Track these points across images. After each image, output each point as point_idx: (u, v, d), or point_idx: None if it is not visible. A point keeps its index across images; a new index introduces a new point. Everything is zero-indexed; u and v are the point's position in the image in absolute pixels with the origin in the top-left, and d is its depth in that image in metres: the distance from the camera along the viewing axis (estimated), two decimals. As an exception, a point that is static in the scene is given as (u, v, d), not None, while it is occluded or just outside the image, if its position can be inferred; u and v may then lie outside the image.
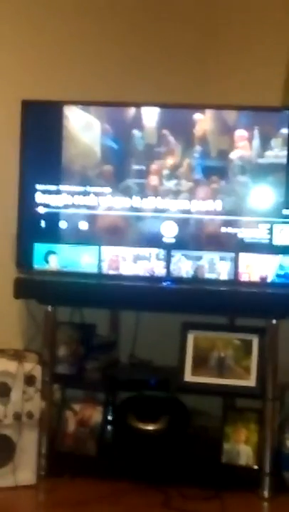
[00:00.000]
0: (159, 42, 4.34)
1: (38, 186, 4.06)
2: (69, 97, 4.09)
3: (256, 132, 3.95)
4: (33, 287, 4.04)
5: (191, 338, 4.00)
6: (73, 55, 4.37)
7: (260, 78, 4.22)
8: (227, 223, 3.98)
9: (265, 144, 3.95)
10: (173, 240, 4.00)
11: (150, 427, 3.99)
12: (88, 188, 4.05)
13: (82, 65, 4.36)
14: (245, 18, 4.30)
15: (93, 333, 4.22)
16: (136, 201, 4.03)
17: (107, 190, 4.04)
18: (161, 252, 4.01)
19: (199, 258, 4.00)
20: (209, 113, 4.00)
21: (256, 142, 3.95)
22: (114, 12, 4.38)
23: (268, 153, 3.95)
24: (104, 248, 4.04)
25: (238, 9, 4.32)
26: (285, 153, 3.93)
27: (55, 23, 4.38)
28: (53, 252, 4.06)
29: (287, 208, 3.94)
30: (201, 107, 4.00)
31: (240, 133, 3.97)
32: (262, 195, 3.97)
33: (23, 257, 4.08)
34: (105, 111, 4.05)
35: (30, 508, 3.76)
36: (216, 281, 3.98)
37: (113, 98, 4.10)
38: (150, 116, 4.02)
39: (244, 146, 3.97)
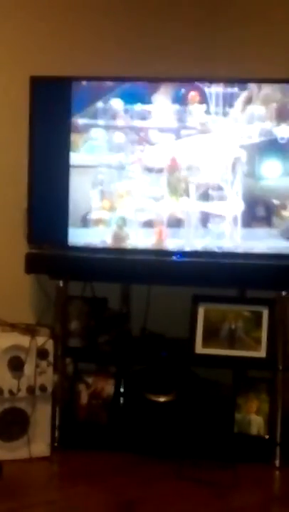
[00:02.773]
0: (167, 16, 4.34)
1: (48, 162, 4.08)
2: (77, 73, 4.10)
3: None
4: (44, 262, 4.07)
5: (201, 310, 4.03)
6: (81, 30, 4.36)
7: (268, 51, 4.23)
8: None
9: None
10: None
11: (162, 399, 4.03)
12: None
13: (90, 40, 4.35)
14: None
15: (105, 307, 4.24)
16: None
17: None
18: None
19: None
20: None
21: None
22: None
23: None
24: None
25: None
26: None
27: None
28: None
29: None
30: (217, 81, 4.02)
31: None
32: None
33: (34, 233, 4.12)
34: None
35: (45, 479, 3.80)
36: (226, 254, 4.01)
37: (122, 73, 4.11)
38: (159, 90, 4.04)
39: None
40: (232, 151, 3.98)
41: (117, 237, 4.07)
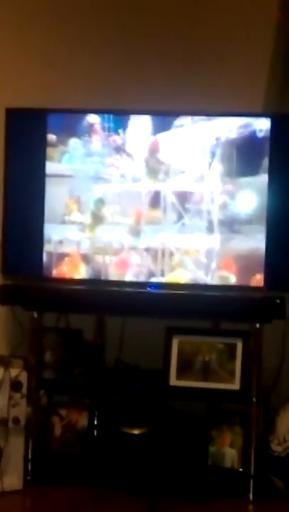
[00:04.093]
0: (144, 49, 4.39)
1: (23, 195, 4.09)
2: (53, 105, 4.12)
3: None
4: (19, 293, 4.06)
5: (175, 342, 4.03)
6: (58, 62, 4.40)
7: (243, 86, 4.28)
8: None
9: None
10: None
11: (136, 431, 4.02)
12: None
13: (66, 72, 4.38)
14: (229, 27, 4.37)
15: (79, 339, 4.23)
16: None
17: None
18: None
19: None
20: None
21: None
22: (100, 20, 4.41)
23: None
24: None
25: (222, 18, 4.39)
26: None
27: (39, 30, 4.40)
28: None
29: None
30: (186, 114, 4.04)
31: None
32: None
33: (9, 264, 4.11)
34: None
35: (17, 513, 3.79)
36: (200, 286, 4.02)
37: (98, 105, 4.13)
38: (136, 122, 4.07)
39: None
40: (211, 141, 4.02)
41: (96, 216, 4.06)
